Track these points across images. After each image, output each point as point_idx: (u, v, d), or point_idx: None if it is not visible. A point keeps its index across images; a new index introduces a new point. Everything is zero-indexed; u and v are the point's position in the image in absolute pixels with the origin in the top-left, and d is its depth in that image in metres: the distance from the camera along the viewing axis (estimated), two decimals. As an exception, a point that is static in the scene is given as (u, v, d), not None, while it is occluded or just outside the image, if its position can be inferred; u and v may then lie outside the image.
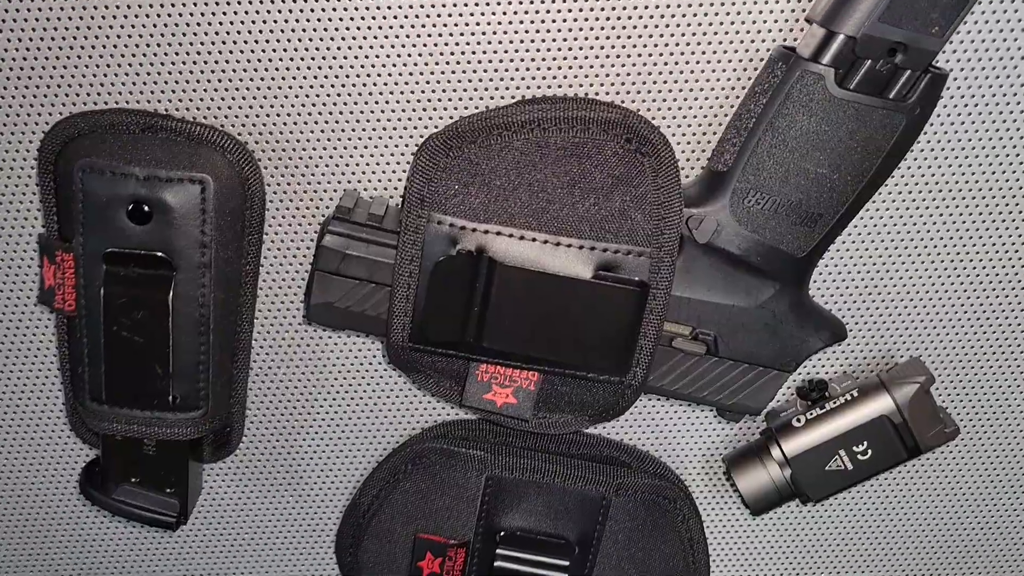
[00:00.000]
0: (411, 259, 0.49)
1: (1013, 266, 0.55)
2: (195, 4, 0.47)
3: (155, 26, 0.48)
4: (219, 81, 0.50)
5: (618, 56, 0.49)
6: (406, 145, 0.51)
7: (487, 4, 0.48)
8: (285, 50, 0.49)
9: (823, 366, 0.59)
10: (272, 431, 0.60)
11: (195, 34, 0.48)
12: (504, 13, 0.48)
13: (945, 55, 0.49)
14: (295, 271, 0.55)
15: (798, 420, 0.57)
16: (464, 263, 0.49)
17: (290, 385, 0.59)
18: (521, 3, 0.47)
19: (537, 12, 0.48)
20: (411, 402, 0.60)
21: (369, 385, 0.59)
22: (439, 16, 0.48)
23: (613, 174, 0.48)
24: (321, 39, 0.48)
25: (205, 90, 0.50)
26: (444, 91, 0.50)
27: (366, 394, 0.59)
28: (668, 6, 0.48)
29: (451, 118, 0.50)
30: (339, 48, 0.49)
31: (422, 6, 0.48)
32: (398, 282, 0.50)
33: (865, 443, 0.56)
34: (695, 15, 0.48)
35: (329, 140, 0.51)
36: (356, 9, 0.48)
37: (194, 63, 0.49)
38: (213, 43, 0.49)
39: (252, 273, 0.53)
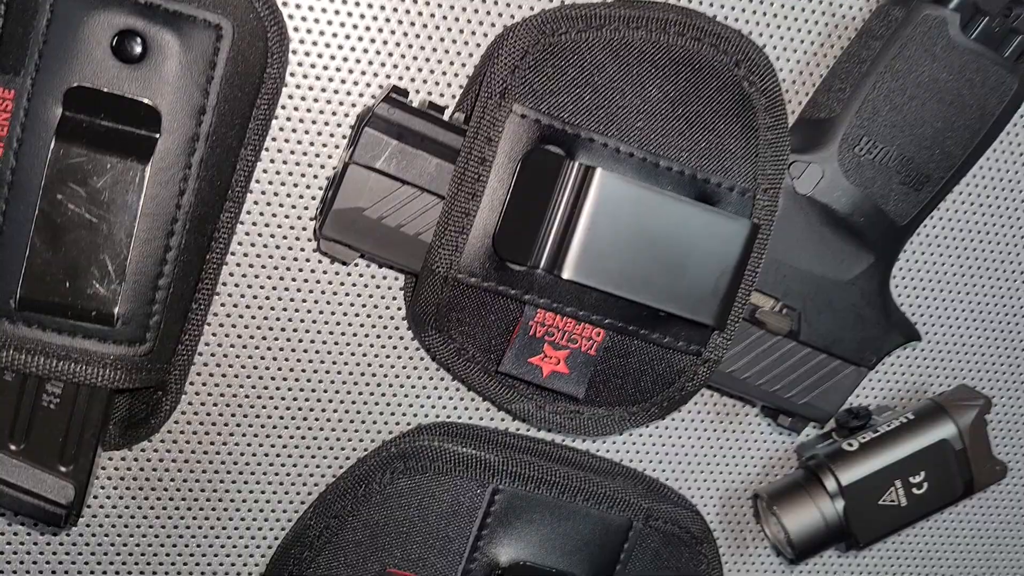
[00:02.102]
0: (481, 158, 0.39)
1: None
2: None
3: None
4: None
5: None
6: (479, 36, 0.42)
7: None
8: None
9: (861, 397, 0.52)
10: (213, 411, 0.45)
11: None
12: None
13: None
14: (296, 184, 0.43)
15: (850, 444, 0.50)
16: (555, 163, 0.39)
17: (251, 348, 0.44)
18: None
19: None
20: (410, 392, 0.47)
21: (359, 366, 0.46)
22: None
23: (720, 101, 0.42)
24: None
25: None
26: (529, -19, 0.42)
27: (351, 378, 0.46)
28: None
29: (531, 9, 0.42)
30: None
31: None
32: (459, 187, 0.39)
33: (923, 473, 0.50)
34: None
35: (374, 21, 0.42)
36: None
37: None
38: None
39: (245, 176, 0.41)
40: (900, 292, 0.50)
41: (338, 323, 0.45)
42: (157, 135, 0.37)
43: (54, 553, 0.45)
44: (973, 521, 0.55)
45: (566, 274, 0.39)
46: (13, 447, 0.39)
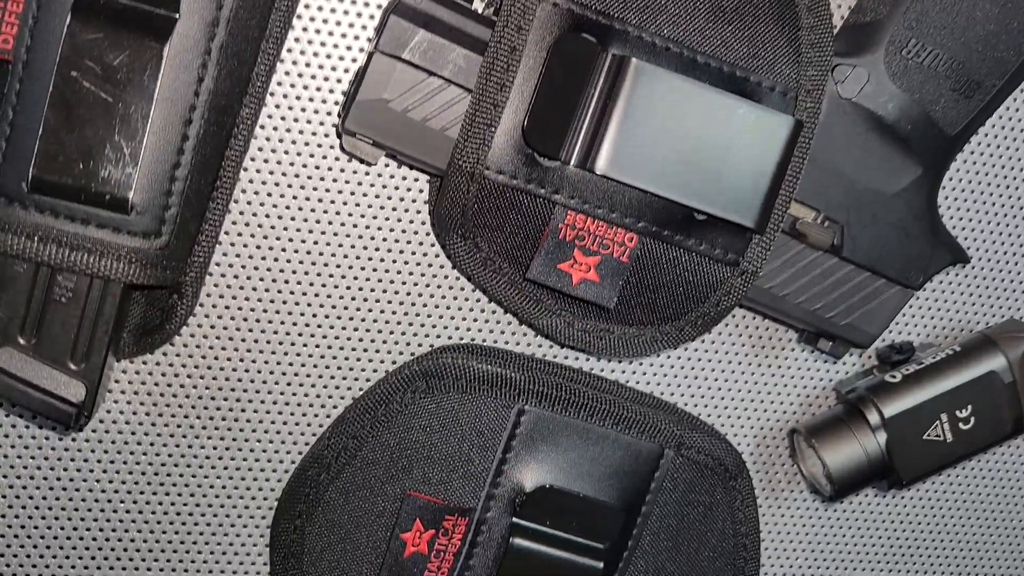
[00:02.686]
0: (511, 47, 0.38)
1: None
2: None
3: None
4: None
5: None
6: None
7: None
8: None
9: (900, 332, 0.50)
10: (226, 321, 0.44)
11: None
12: None
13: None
14: (319, 88, 0.41)
15: (893, 376, 0.47)
16: (588, 52, 0.37)
17: (270, 259, 0.43)
18: None
19: None
20: (434, 312, 0.45)
21: (381, 282, 0.44)
22: None
23: (761, -2, 0.40)
24: None
25: None
26: None
27: (373, 294, 0.44)
28: None
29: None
30: None
31: None
32: (488, 77, 0.38)
33: (970, 407, 0.47)
34: None
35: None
36: None
37: None
38: None
39: (267, 71, 0.39)
40: (947, 211, 0.48)
41: (360, 236, 0.43)
42: (176, 15, 0.36)
43: (64, 461, 0.44)
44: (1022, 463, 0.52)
45: (599, 168, 0.38)
46: (23, 341, 0.38)
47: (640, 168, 0.38)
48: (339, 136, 0.41)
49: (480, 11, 0.40)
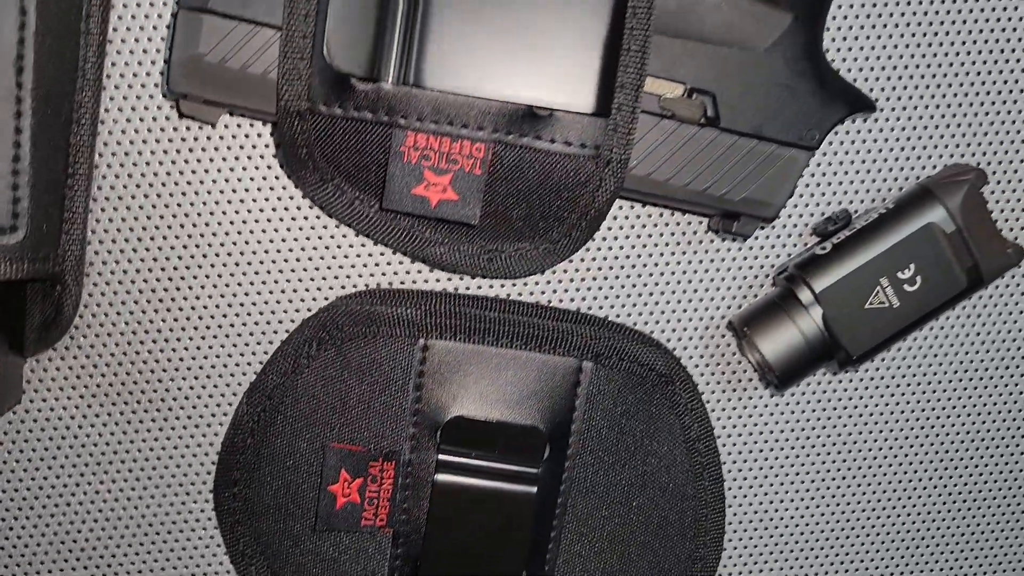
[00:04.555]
0: (308, -27, 0.37)
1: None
2: None
3: None
4: None
5: None
6: None
7: None
8: None
9: (840, 201, 0.46)
10: (122, 305, 0.44)
11: None
12: None
13: None
14: (156, 60, 0.41)
15: (823, 248, 0.44)
16: (382, -39, 0.36)
17: (152, 224, 0.43)
18: None
19: None
20: (332, 264, 0.44)
21: (273, 242, 0.44)
22: None
23: None
24: None
25: None
26: None
27: (260, 250, 0.44)
28: None
29: None
30: None
31: None
32: (292, 10, 0.37)
33: (912, 266, 0.43)
34: None
35: None
36: None
37: None
38: None
39: (96, 52, 0.39)
40: (846, 55, 0.44)
41: (242, 200, 0.43)
42: (-23, 11, 0.36)
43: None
44: (996, 315, 0.48)
45: (416, 81, 0.36)
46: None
47: (460, 74, 0.36)
48: (175, 104, 0.41)
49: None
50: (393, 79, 0.37)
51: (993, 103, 0.45)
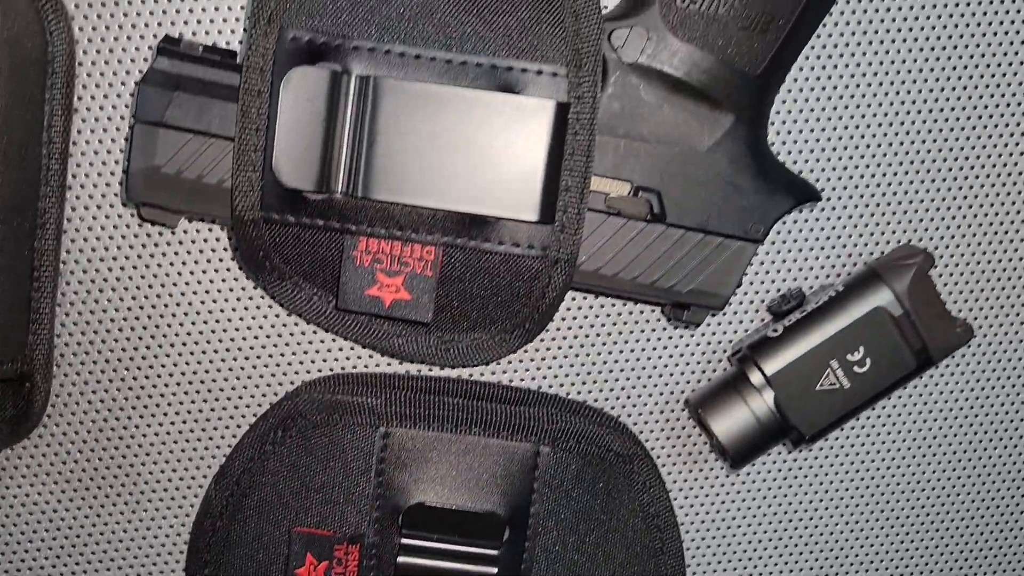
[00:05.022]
0: (257, 90, 0.38)
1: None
2: None
3: None
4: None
5: None
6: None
7: None
8: None
9: (795, 278, 0.47)
10: (92, 396, 0.46)
11: None
12: None
13: None
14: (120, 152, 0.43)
15: (775, 330, 0.45)
16: (323, 79, 0.37)
17: (116, 322, 0.45)
18: None
19: None
20: (298, 349, 0.46)
21: (228, 326, 0.45)
22: None
23: (515, -21, 0.38)
24: None
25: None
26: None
27: (224, 340, 0.45)
28: None
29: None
30: None
31: None
32: (243, 124, 0.38)
33: (861, 348, 0.44)
34: None
35: (158, -23, 0.41)
36: None
37: None
38: None
39: (59, 155, 0.41)
40: (795, 147, 0.45)
41: (207, 291, 0.45)
42: (-61, 131, 0.38)
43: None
44: (948, 393, 0.48)
45: (365, 193, 0.37)
46: None
47: (406, 186, 0.37)
48: (137, 210, 0.42)
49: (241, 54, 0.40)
50: (342, 190, 0.38)
51: (939, 189, 0.46)
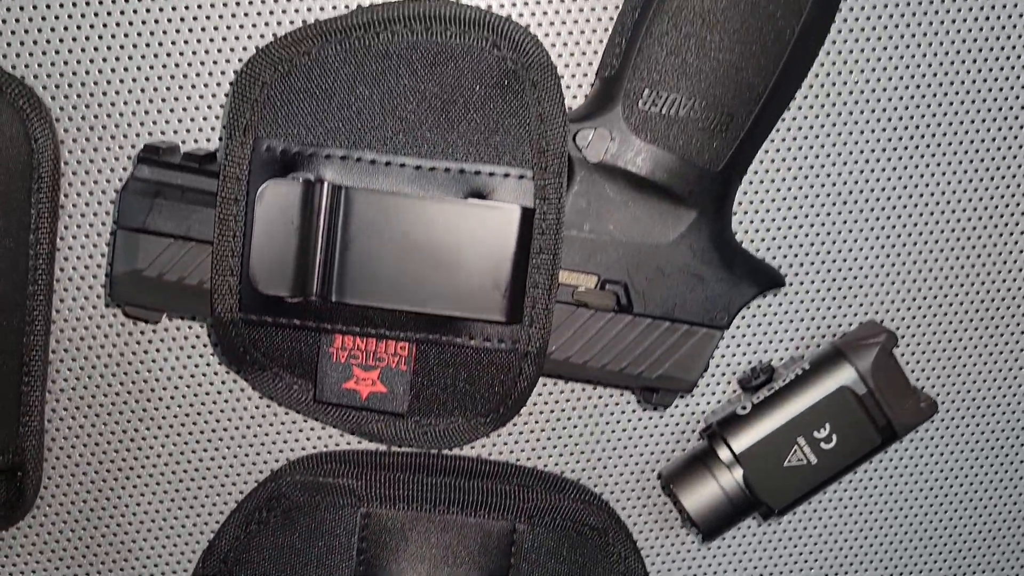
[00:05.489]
0: (234, 198, 0.39)
1: (986, 207, 0.47)
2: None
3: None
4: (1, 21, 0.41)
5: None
6: (222, 84, 0.43)
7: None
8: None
9: (766, 351, 0.48)
10: (84, 479, 0.47)
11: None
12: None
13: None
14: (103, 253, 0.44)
15: (743, 408, 0.46)
16: (296, 191, 0.39)
17: (105, 410, 0.46)
18: None
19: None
20: (281, 429, 0.47)
21: (213, 409, 0.47)
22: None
23: (483, 86, 0.40)
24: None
25: (-21, 21, 0.41)
26: (260, 14, 0.42)
27: (210, 422, 0.47)
28: None
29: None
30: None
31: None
32: (221, 230, 0.40)
33: (828, 425, 0.45)
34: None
35: (135, 84, 0.42)
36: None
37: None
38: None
39: (46, 255, 0.42)
40: (767, 235, 0.46)
41: (192, 375, 0.46)
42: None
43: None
44: (912, 465, 0.50)
45: (338, 298, 0.39)
46: None
47: (377, 290, 0.39)
48: (109, 301, 0.44)
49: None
50: (317, 294, 0.39)
51: (900, 266, 0.47)
